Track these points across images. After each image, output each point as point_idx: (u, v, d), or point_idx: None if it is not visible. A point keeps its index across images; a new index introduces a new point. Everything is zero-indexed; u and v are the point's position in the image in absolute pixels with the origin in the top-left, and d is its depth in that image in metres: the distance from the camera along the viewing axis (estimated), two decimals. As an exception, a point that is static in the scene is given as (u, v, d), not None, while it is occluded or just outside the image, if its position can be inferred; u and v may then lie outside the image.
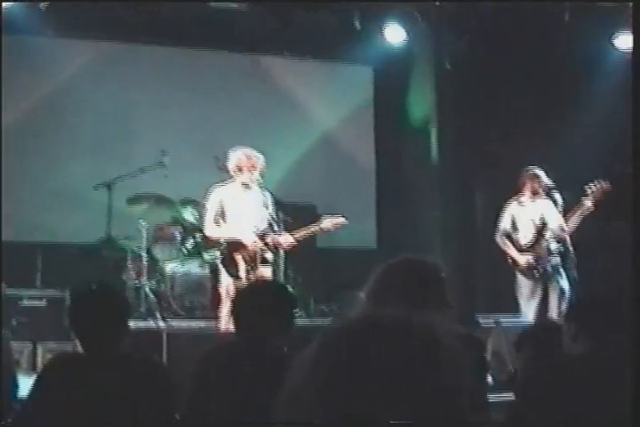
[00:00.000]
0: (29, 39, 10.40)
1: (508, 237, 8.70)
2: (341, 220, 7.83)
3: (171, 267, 9.68)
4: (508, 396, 4.62)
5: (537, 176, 8.51)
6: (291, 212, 8.51)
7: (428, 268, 3.26)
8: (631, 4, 8.23)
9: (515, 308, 8.76)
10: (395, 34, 10.53)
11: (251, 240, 7.51)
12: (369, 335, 1.48)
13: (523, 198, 8.64)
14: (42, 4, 9.49)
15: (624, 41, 10.16)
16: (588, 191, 8.20)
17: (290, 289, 5.68)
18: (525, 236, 8.63)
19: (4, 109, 10.32)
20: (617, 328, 3.25)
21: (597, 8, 9.99)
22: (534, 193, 8.55)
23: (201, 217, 9.46)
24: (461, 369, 1.52)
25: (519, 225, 8.67)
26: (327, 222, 7.80)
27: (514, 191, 8.74)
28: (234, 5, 10.24)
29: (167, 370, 3.84)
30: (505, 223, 8.71)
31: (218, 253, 7.77)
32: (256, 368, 3.50)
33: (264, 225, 7.66)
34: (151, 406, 3.52)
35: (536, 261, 8.46)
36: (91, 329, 3.69)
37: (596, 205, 8.20)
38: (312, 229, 7.83)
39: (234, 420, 3.38)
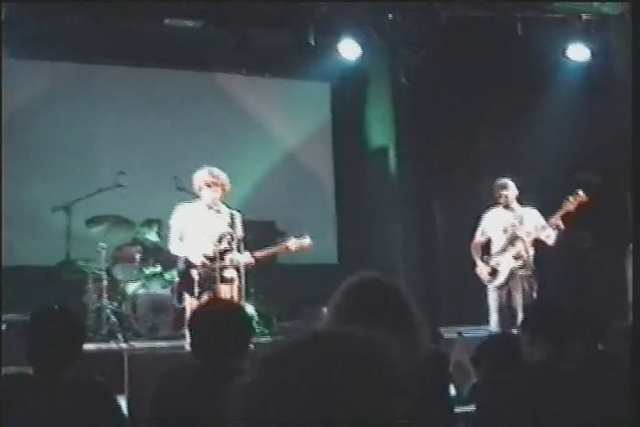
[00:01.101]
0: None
1: (480, 246, 8.75)
2: (307, 241, 7.82)
3: (132, 288, 9.63)
4: (472, 408, 4.62)
5: (506, 186, 8.56)
6: (251, 229, 8.48)
7: (386, 286, 3.24)
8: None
9: (479, 319, 8.79)
10: (350, 49, 10.55)
11: (199, 258, 7.50)
12: (307, 350, 1.49)
13: (495, 208, 8.70)
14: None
15: (576, 51, 10.26)
16: (564, 202, 8.24)
17: (245, 307, 5.67)
18: (495, 245, 8.67)
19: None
20: (572, 334, 3.27)
21: (549, 20, 10.10)
22: (505, 203, 8.60)
23: (162, 237, 9.45)
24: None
25: (490, 235, 8.71)
26: (293, 243, 7.79)
27: (476, 203, 8.80)
28: (189, 23, 10.22)
29: (113, 394, 3.80)
30: (477, 232, 8.75)
31: (178, 272, 7.75)
32: (214, 388, 3.47)
33: (224, 243, 7.63)
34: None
35: (503, 270, 8.50)
36: (38, 352, 3.65)
37: (565, 216, 8.25)
38: (275, 249, 7.82)
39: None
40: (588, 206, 8.17)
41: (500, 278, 8.52)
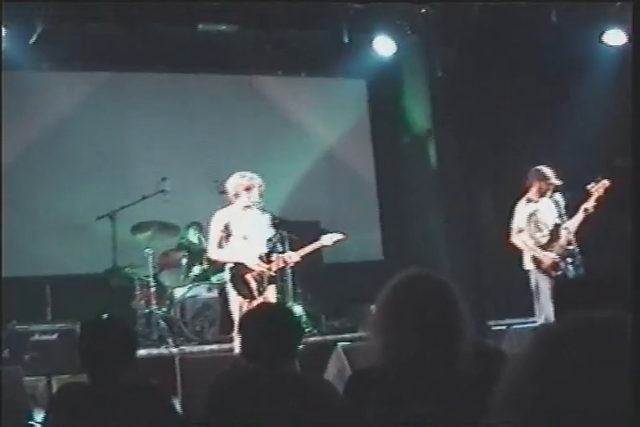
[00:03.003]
0: (21, 74, 10.43)
1: (527, 236, 8.63)
2: (338, 235, 7.88)
3: (179, 292, 9.68)
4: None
5: (545, 175, 8.47)
6: (296, 229, 8.50)
7: (435, 282, 3.23)
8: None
9: (526, 311, 8.73)
10: (384, 46, 10.55)
11: (254, 262, 7.53)
12: None
13: (532, 197, 8.59)
14: (32, 39, 9.50)
15: (613, 37, 10.17)
16: (591, 190, 8.19)
17: (294, 310, 5.68)
18: (543, 235, 8.58)
19: (6, 145, 10.39)
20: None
21: (583, 5, 10.01)
22: (542, 192, 8.51)
23: (205, 241, 9.50)
24: None
25: (533, 224, 8.61)
26: (326, 239, 7.85)
27: (518, 193, 8.71)
28: (223, 27, 10.25)
29: (170, 399, 3.85)
30: (519, 222, 8.62)
31: (227, 276, 7.78)
32: (266, 392, 3.48)
33: (269, 245, 7.67)
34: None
35: (560, 259, 8.41)
36: (94, 360, 3.72)
37: (597, 202, 8.19)
38: (313, 246, 7.86)
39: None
40: (623, 191, 8.09)
41: (546, 267, 8.45)
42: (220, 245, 7.66)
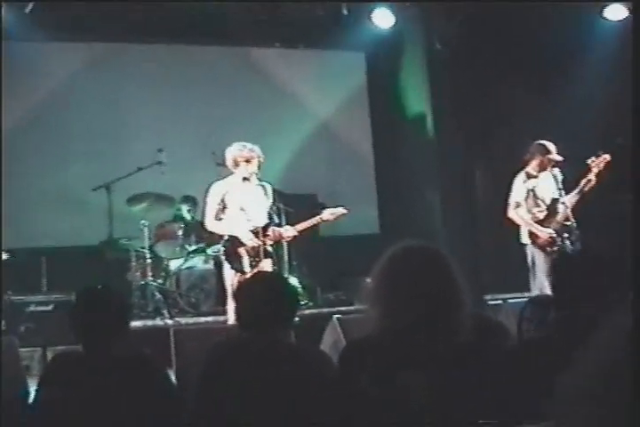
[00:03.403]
0: (18, 44, 10.35)
1: (524, 211, 8.59)
2: (341, 210, 7.79)
3: (175, 264, 9.67)
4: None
5: (548, 150, 8.42)
6: (292, 202, 8.48)
7: (430, 253, 3.22)
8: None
9: (523, 286, 8.72)
10: (383, 18, 10.48)
11: (249, 236, 7.48)
12: None
13: (532, 172, 8.55)
14: (27, 8, 9.42)
15: (614, 11, 10.11)
16: (591, 164, 8.15)
17: (290, 280, 5.65)
18: (540, 210, 8.54)
19: (2, 116, 10.36)
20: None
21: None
22: (542, 167, 8.47)
23: (201, 213, 9.48)
24: None
25: (531, 199, 8.57)
26: (327, 213, 7.75)
27: (516, 168, 8.66)
28: (221, -2, 10.19)
29: (164, 369, 3.86)
30: (517, 197, 8.57)
31: (221, 248, 7.74)
32: (261, 361, 3.48)
33: (265, 218, 7.62)
34: (150, 404, 3.56)
35: (556, 234, 8.38)
36: (87, 330, 3.73)
37: (597, 178, 8.16)
38: (313, 221, 7.78)
39: (242, 414, 3.36)
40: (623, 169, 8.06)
41: (543, 242, 8.42)
42: (218, 217, 7.61)
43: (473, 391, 2.97)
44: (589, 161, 8.16)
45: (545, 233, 8.36)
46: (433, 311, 3.01)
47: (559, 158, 8.37)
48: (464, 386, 2.98)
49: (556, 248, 8.33)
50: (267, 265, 7.49)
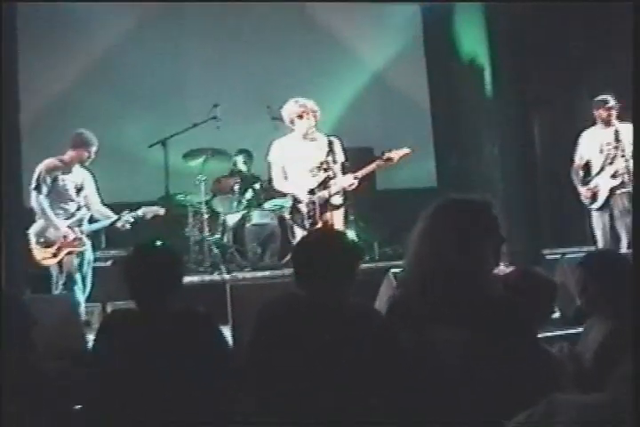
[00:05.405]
0: (71, 5, 10.43)
1: (581, 170, 8.54)
2: (405, 150, 7.68)
3: (232, 219, 9.68)
4: (576, 330, 4.56)
5: (606, 103, 8.29)
6: (349, 155, 8.42)
7: (477, 205, 3.20)
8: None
9: (582, 240, 8.63)
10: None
11: (307, 195, 7.52)
12: None
13: (592, 128, 8.46)
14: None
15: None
16: None
17: (353, 238, 5.61)
18: (594, 166, 8.45)
19: (58, 75, 10.48)
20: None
21: None
22: (605, 122, 8.35)
23: (252, 168, 9.51)
24: None
25: (589, 156, 8.48)
26: (392, 153, 7.63)
27: (577, 122, 8.55)
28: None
29: (217, 323, 3.88)
30: (577, 157, 8.54)
31: (282, 203, 7.80)
32: (317, 318, 3.46)
33: (326, 172, 7.59)
34: (203, 361, 3.59)
35: (602, 191, 8.29)
36: (141, 286, 3.76)
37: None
38: (376, 164, 7.68)
39: (295, 370, 3.35)
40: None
41: (600, 200, 8.32)
42: (285, 176, 7.67)
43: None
44: None
45: (587, 192, 8.31)
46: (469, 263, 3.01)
47: (615, 110, 8.23)
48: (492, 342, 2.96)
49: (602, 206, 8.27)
50: (333, 218, 7.49)
